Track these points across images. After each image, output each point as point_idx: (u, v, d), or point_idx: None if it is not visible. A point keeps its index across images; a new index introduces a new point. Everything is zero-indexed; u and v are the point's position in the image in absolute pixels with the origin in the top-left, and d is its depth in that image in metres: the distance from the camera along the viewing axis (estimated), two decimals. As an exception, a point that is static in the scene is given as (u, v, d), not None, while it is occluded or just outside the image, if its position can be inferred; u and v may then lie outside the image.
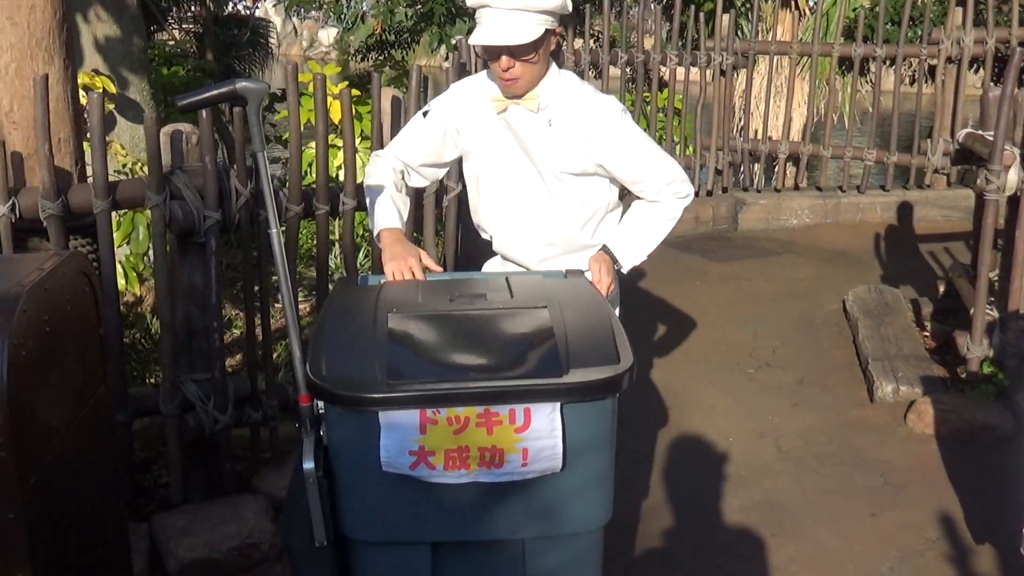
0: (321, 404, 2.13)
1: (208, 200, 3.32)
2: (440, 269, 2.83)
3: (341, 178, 4.03)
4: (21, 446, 1.93)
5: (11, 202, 3.15)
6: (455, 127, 2.91)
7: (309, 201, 3.62)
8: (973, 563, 3.41)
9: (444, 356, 2.25)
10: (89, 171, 3.37)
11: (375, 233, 2.82)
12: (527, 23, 2.61)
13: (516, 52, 2.64)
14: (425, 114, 2.93)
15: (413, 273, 2.63)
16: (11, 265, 2.20)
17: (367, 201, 2.93)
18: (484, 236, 3.10)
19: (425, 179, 3.10)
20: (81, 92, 5.53)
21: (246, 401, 3.60)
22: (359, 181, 3.36)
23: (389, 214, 2.80)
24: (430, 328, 2.32)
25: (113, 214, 3.49)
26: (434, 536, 2.12)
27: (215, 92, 2.26)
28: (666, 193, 2.92)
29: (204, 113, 3.28)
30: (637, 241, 2.94)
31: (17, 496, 1.95)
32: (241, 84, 2.20)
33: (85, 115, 5.46)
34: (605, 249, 2.90)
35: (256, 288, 3.72)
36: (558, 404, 2.00)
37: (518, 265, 3.02)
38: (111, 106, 5.60)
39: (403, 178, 2.94)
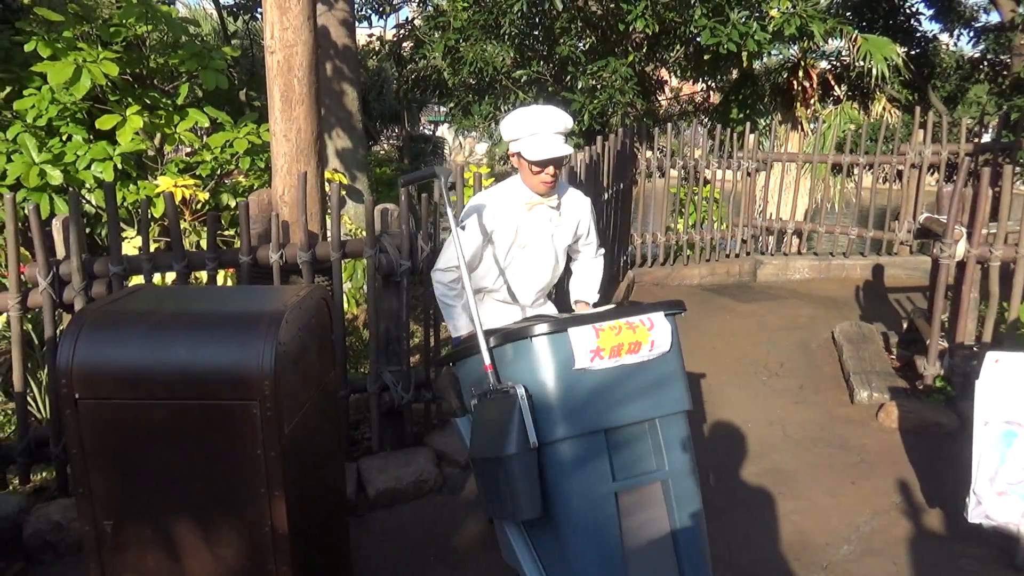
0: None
1: (403, 253, 3.40)
2: None
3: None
4: (281, 408, 2.01)
5: (280, 252, 3.30)
6: (490, 232, 2.71)
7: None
8: (925, 520, 3.22)
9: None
10: (328, 234, 3.51)
11: (454, 336, 2.76)
12: (564, 142, 2.61)
13: (557, 162, 2.60)
14: (463, 227, 2.68)
15: None
16: (279, 292, 2.29)
17: (444, 312, 2.81)
18: (494, 291, 2.86)
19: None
20: (326, 184, 5.81)
21: (422, 386, 3.65)
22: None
23: (463, 320, 2.74)
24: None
25: (343, 262, 3.60)
26: (606, 423, 2.09)
27: (422, 173, 2.58)
28: (598, 250, 3.07)
29: (403, 198, 3.38)
30: (596, 284, 3.06)
31: (278, 440, 2.02)
32: (437, 168, 2.43)
33: (328, 198, 5.74)
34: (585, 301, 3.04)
35: (431, 311, 3.79)
36: (662, 313, 2.19)
37: (520, 304, 2.90)
38: (344, 192, 5.80)
39: (461, 285, 2.72)
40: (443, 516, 3.26)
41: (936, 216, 4.35)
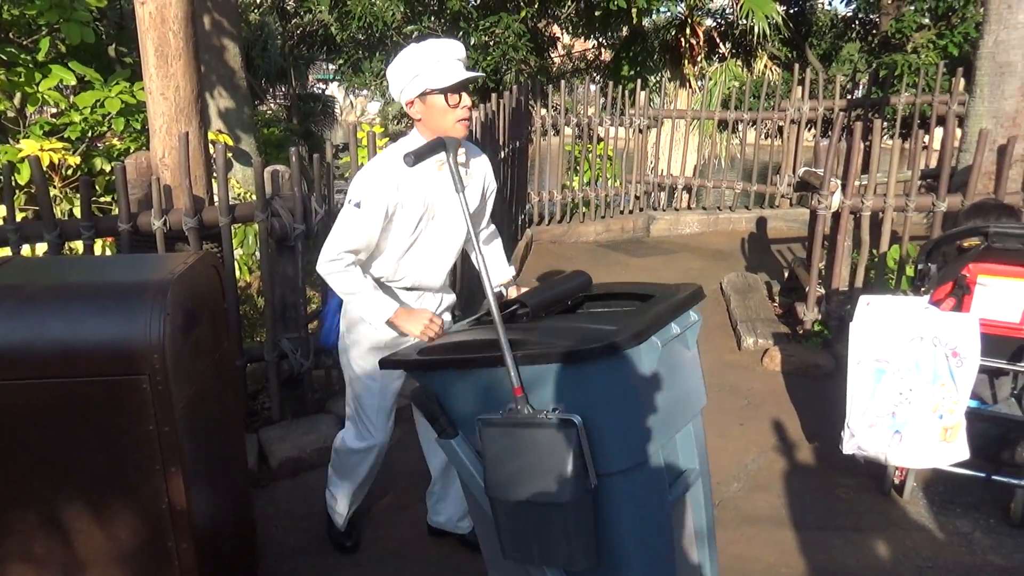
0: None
1: (296, 217, 3.30)
2: (448, 319, 2.29)
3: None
4: (172, 382, 1.93)
5: (163, 219, 3.13)
6: (394, 207, 2.24)
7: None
8: (806, 454, 3.46)
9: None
10: (216, 198, 3.36)
11: (384, 321, 2.26)
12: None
13: (466, 90, 2.22)
14: (359, 205, 2.20)
15: (437, 329, 2.23)
16: (165, 261, 2.18)
17: (355, 305, 2.31)
18: (395, 280, 2.40)
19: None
20: (210, 145, 5.52)
21: (322, 352, 3.59)
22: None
23: (385, 300, 2.27)
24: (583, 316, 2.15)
25: (232, 227, 3.45)
26: (663, 437, 1.86)
27: (429, 145, 2.00)
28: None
29: (294, 159, 3.26)
30: (504, 256, 2.69)
31: (171, 415, 1.95)
32: (443, 138, 2.02)
33: (213, 160, 5.47)
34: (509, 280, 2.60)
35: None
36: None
37: (427, 290, 2.47)
38: (230, 154, 5.54)
39: (363, 269, 2.31)
40: (349, 481, 3.24)
41: (814, 169, 4.59)
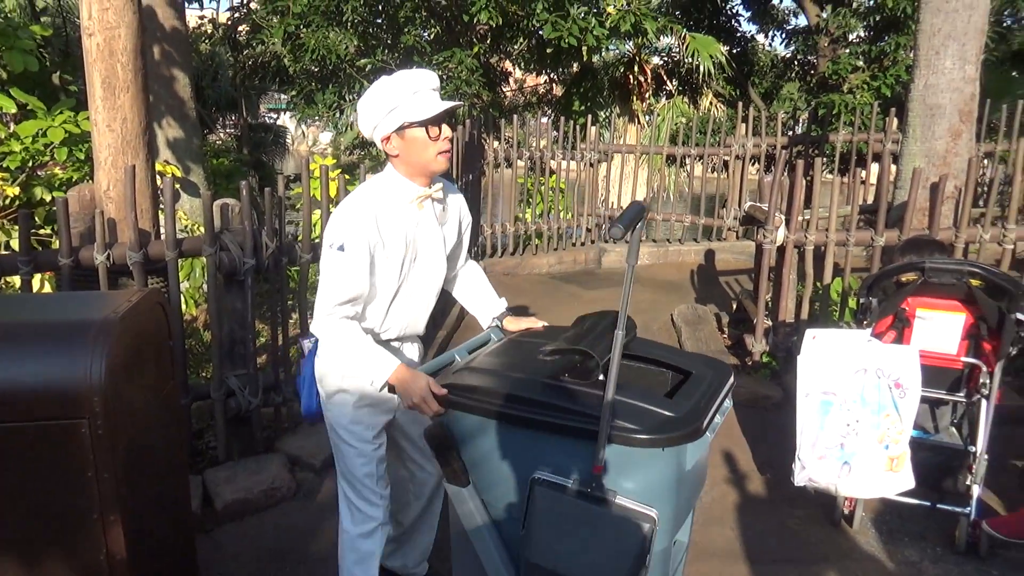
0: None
1: (246, 251, 3.23)
2: (444, 391, 1.94)
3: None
4: (114, 425, 1.85)
5: (107, 253, 3.03)
6: (376, 246, 2.07)
7: (316, 250, 3.54)
8: (758, 486, 3.48)
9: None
10: (163, 231, 3.27)
11: (381, 383, 2.03)
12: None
13: (447, 121, 2.11)
14: (342, 248, 2.01)
15: (428, 411, 1.96)
16: (108, 299, 2.10)
17: (355, 364, 2.06)
18: (383, 330, 2.23)
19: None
20: (157, 177, 5.40)
21: (271, 388, 3.50)
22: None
23: (388, 357, 2.04)
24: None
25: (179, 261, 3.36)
26: (692, 508, 2.02)
27: (633, 213, 1.81)
28: None
29: (244, 191, 3.20)
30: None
31: (112, 460, 1.86)
32: (642, 202, 1.83)
33: (160, 192, 5.33)
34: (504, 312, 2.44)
35: (279, 309, 3.62)
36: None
37: (409, 339, 2.34)
38: (177, 185, 5.42)
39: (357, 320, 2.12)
40: (299, 523, 3.14)
41: (758, 204, 4.69)
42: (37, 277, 3.81)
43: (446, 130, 2.09)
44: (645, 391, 1.90)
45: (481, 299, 2.48)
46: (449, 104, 2.07)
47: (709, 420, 1.83)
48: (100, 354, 1.81)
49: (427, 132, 2.06)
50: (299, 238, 3.54)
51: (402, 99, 2.03)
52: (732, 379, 2.06)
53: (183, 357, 3.25)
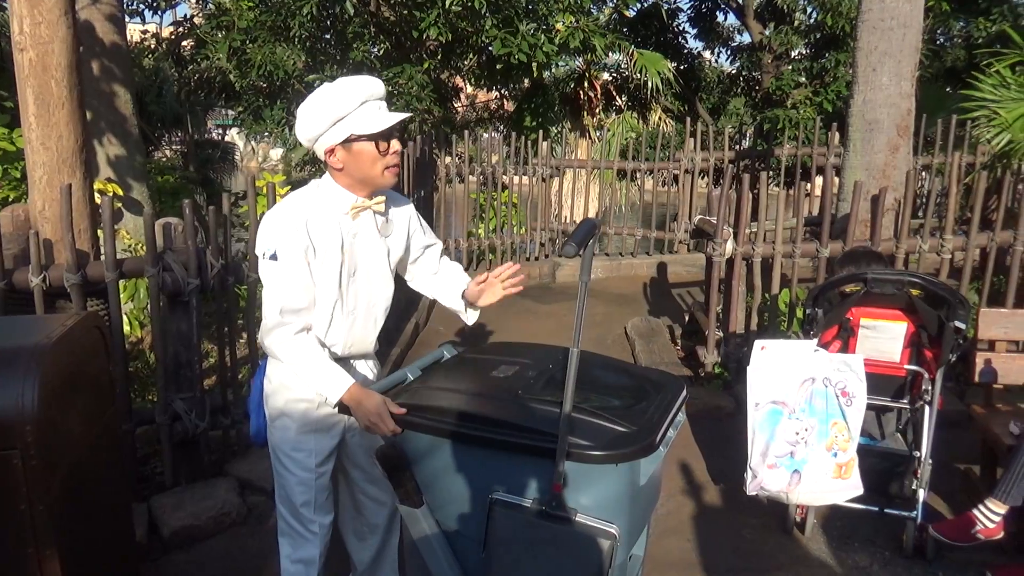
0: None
1: (190, 271, 3.15)
2: (401, 410, 1.88)
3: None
4: (48, 456, 1.78)
5: (43, 275, 2.93)
6: (309, 252, 1.96)
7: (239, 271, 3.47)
8: (713, 496, 3.51)
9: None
10: (103, 252, 3.16)
11: (335, 400, 1.94)
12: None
13: (396, 135, 1.99)
14: (275, 256, 1.92)
15: (384, 430, 1.89)
16: (42, 324, 2.03)
17: (309, 378, 1.97)
18: (326, 345, 2.07)
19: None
20: (97, 195, 5.24)
21: (219, 411, 3.41)
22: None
23: (342, 374, 1.96)
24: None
25: (121, 281, 3.26)
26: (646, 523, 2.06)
27: (585, 231, 1.77)
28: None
29: (187, 210, 3.13)
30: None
31: (46, 493, 1.78)
32: (594, 219, 1.80)
33: (100, 212, 5.17)
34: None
35: (226, 329, 3.54)
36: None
37: (359, 357, 2.23)
38: (119, 204, 5.27)
39: (312, 334, 2.02)
40: (249, 548, 3.06)
41: (707, 218, 4.77)
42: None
43: (396, 144, 1.98)
44: (599, 406, 1.90)
45: (453, 288, 2.33)
46: (400, 116, 1.96)
47: (663, 434, 1.84)
48: (32, 382, 1.73)
49: (376, 147, 1.94)
50: (247, 257, 3.47)
51: (348, 109, 1.90)
52: (685, 392, 2.07)
53: (126, 381, 3.15)
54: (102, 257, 3.12)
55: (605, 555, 1.72)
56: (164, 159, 12.02)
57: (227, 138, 21.30)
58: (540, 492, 1.76)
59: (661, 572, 2.94)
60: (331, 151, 1.97)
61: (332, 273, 2.00)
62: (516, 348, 2.38)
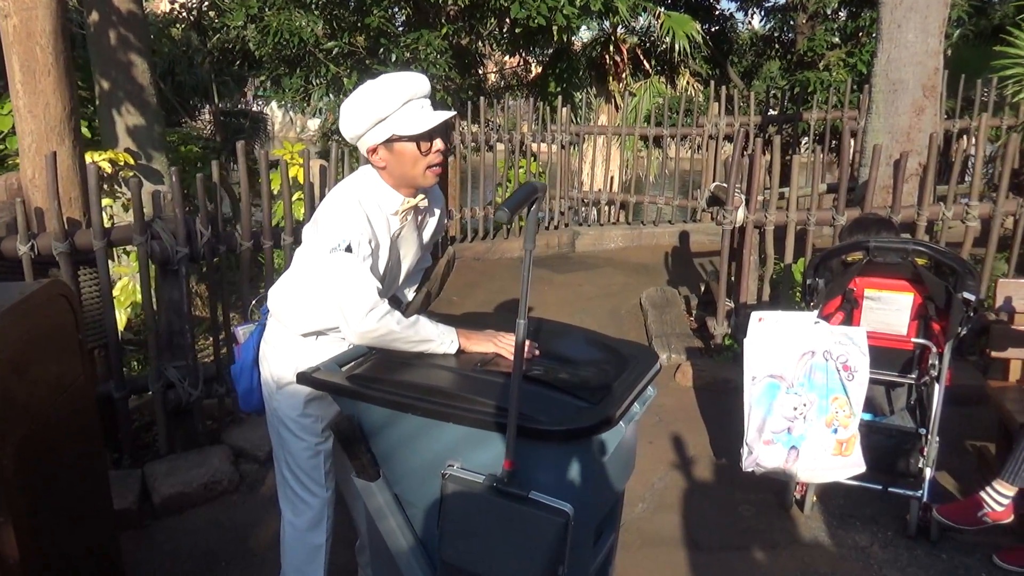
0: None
1: (179, 240, 3.12)
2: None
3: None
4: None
5: (31, 243, 2.92)
6: (375, 244, 1.95)
7: (258, 238, 3.44)
8: (712, 471, 3.41)
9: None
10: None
11: (455, 350, 1.95)
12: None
13: (445, 132, 1.96)
14: (349, 248, 1.87)
15: (505, 345, 1.94)
16: (0, 291, 2.00)
17: (428, 343, 1.94)
18: (334, 328, 2.06)
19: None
20: (108, 164, 5.25)
21: (213, 380, 3.40)
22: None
23: (440, 329, 1.95)
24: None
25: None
26: (614, 500, 2.00)
27: (523, 193, 1.66)
28: None
29: (174, 177, 3.09)
30: None
31: (-2, 461, 1.77)
32: (536, 183, 1.70)
33: (122, 180, 5.19)
34: None
35: (218, 300, 3.51)
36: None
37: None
38: (131, 174, 5.27)
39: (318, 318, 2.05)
40: (239, 517, 3.06)
41: (723, 184, 4.60)
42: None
43: (439, 143, 1.93)
44: (560, 381, 1.82)
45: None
46: (444, 115, 1.91)
47: (624, 410, 1.75)
48: (-21, 351, 1.70)
49: (418, 147, 1.90)
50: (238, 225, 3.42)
51: (391, 110, 1.87)
52: (657, 367, 1.98)
53: (117, 350, 3.14)
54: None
55: (559, 536, 1.64)
56: (195, 130, 12.10)
57: (265, 109, 21.36)
58: (493, 468, 1.69)
59: (652, 548, 2.87)
60: (373, 150, 1.94)
61: (380, 267, 1.99)
62: (489, 319, 2.30)
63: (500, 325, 2.09)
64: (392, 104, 1.86)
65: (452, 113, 1.99)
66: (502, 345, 1.94)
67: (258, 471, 3.33)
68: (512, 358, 1.77)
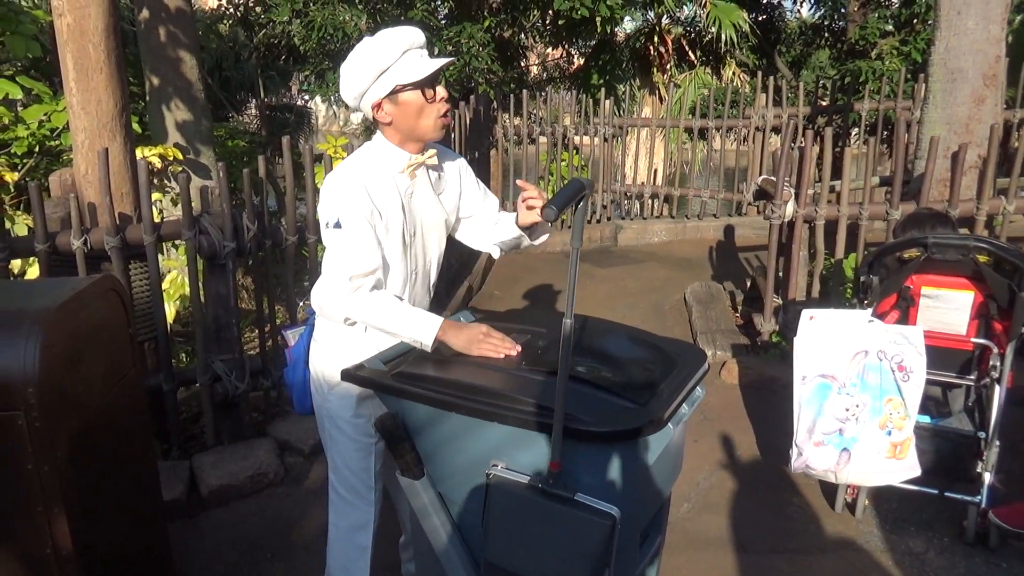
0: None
1: (226, 234, 3.16)
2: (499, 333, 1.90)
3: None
4: (53, 416, 1.79)
5: (84, 238, 2.99)
6: (373, 217, 1.90)
7: (303, 232, 3.47)
8: (759, 471, 3.34)
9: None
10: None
11: (430, 342, 1.87)
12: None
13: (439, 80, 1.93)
14: (339, 225, 1.85)
15: (496, 345, 1.86)
16: (51, 286, 2.04)
17: (398, 330, 1.90)
18: None
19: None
20: (158, 159, 5.35)
21: (259, 373, 3.44)
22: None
23: (425, 317, 1.89)
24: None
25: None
26: (661, 502, 1.96)
27: (570, 190, 1.65)
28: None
29: (222, 172, 3.13)
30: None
31: (52, 453, 1.80)
32: (583, 179, 1.70)
33: (171, 175, 5.29)
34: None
35: (264, 295, 3.55)
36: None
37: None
38: (178, 169, 5.37)
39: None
40: (284, 509, 3.10)
41: (770, 177, 4.49)
42: (33, 263, 3.79)
43: (441, 91, 1.91)
44: (607, 380, 1.78)
45: (508, 222, 2.18)
46: (443, 61, 1.89)
47: (673, 411, 1.71)
48: (34, 345, 1.74)
49: (423, 94, 1.88)
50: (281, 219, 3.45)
51: (391, 60, 1.84)
52: (705, 367, 1.93)
53: (167, 342, 3.20)
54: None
55: (606, 539, 1.61)
56: (241, 125, 12.32)
57: (309, 103, 21.62)
58: (538, 469, 1.67)
59: (697, 549, 2.82)
60: (378, 106, 1.91)
61: (396, 234, 1.95)
62: (535, 316, 2.27)
63: (545, 323, 2.06)
64: (392, 54, 1.84)
65: (451, 59, 2.00)
66: (492, 346, 1.85)
67: (302, 464, 3.36)
68: (497, 357, 1.80)
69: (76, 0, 2.93)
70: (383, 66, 1.84)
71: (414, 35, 1.88)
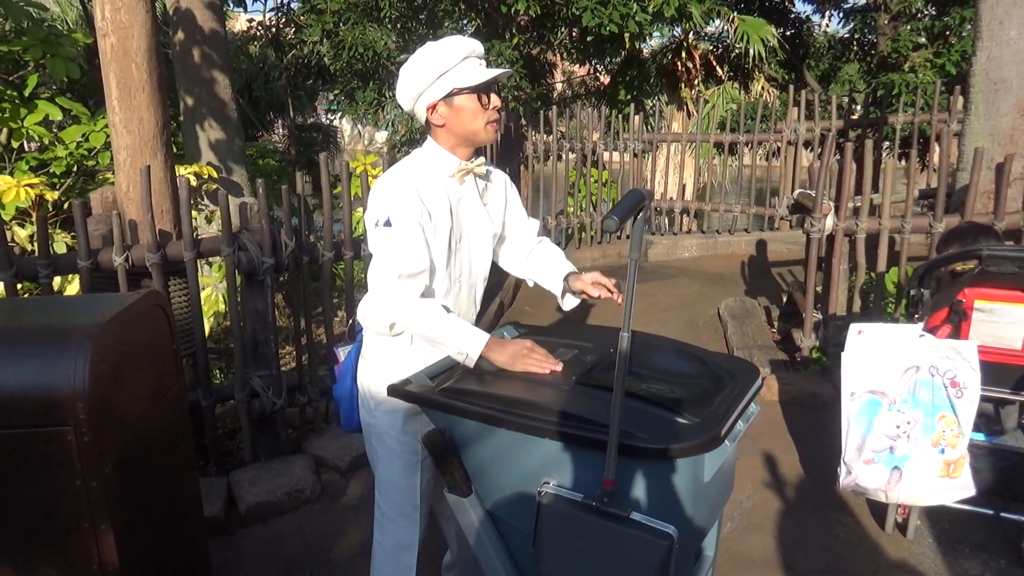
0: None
1: (265, 250, 3.17)
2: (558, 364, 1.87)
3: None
4: (102, 432, 1.79)
5: (125, 255, 3.01)
6: (423, 218, 1.89)
7: (339, 248, 3.47)
8: (804, 490, 3.26)
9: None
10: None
11: (476, 355, 1.86)
12: None
13: (496, 89, 1.99)
14: (388, 223, 1.85)
15: (540, 360, 1.85)
16: (98, 302, 2.04)
17: (434, 336, 1.88)
18: None
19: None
20: (193, 178, 5.42)
21: (296, 389, 3.44)
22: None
23: (472, 330, 1.88)
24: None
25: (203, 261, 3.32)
26: (710, 526, 1.92)
27: (630, 200, 1.65)
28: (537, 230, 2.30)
29: (261, 189, 3.14)
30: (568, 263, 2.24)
31: (100, 469, 1.80)
32: (642, 190, 1.69)
33: (204, 193, 5.35)
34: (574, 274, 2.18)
35: (302, 311, 3.56)
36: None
37: None
38: (214, 186, 5.43)
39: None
40: (321, 526, 3.08)
41: (807, 191, 4.43)
42: (73, 280, 3.84)
43: (495, 99, 1.94)
44: (659, 396, 1.74)
45: (554, 269, 2.20)
46: (499, 71, 1.93)
47: (729, 427, 1.67)
48: (83, 360, 1.74)
49: (478, 100, 1.91)
50: (320, 237, 3.46)
51: (451, 64, 1.88)
52: (760, 382, 1.88)
53: (205, 358, 3.20)
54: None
55: (664, 559, 1.57)
56: (271, 144, 12.48)
57: (334, 122, 21.87)
58: (591, 487, 1.63)
59: (743, 570, 2.75)
60: (433, 107, 1.94)
61: (443, 239, 1.95)
62: (580, 331, 2.24)
63: (589, 337, 2.03)
64: (453, 59, 1.88)
65: (509, 70, 2.07)
66: (536, 362, 1.84)
67: (339, 481, 3.35)
68: (542, 373, 1.79)
69: (120, 21, 2.98)
70: (443, 68, 1.88)
71: (475, 45, 1.94)
